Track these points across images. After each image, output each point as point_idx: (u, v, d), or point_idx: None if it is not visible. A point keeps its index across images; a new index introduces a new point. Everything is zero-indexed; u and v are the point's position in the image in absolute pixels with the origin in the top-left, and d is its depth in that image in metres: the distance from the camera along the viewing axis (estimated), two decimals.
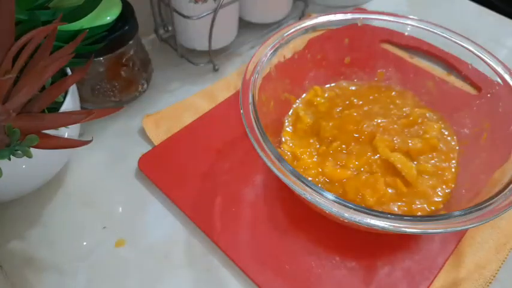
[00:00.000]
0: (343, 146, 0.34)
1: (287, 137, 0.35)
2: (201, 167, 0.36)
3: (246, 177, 0.36)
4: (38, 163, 0.30)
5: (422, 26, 0.36)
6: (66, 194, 0.36)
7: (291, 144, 0.35)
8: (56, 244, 0.33)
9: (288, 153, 0.34)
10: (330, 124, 0.35)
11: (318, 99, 0.38)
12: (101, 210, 0.35)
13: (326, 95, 0.39)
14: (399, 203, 0.31)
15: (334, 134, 0.34)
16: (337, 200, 0.24)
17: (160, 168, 0.36)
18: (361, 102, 0.37)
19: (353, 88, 0.40)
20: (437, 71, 0.38)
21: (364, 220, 0.23)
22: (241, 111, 0.28)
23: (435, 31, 0.36)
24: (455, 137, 0.36)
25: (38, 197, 0.35)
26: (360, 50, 0.39)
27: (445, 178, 0.33)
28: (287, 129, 0.36)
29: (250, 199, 0.34)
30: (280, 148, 0.35)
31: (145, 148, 0.39)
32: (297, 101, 0.38)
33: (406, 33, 0.37)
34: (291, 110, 0.38)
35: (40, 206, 0.35)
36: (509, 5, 0.68)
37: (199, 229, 0.33)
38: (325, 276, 0.30)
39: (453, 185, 0.32)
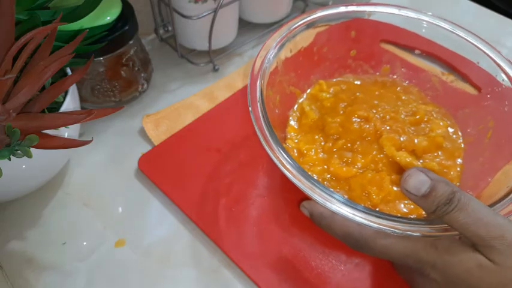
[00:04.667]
0: (349, 144, 0.33)
1: (292, 133, 0.35)
2: (201, 167, 0.36)
3: (246, 177, 0.36)
4: (38, 163, 0.30)
5: (432, 21, 0.36)
6: (66, 194, 0.36)
7: (296, 140, 0.34)
8: (56, 244, 0.33)
9: (294, 149, 0.34)
10: (337, 120, 0.34)
11: (324, 94, 0.37)
12: (101, 210, 0.35)
13: (331, 90, 0.38)
14: (405, 201, 0.31)
15: (339, 132, 0.34)
16: (348, 202, 0.24)
17: (160, 168, 0.36)
18: (367, 98, 0.37)
19: (358, 82, 0.39)
20: (441, 68, 0.38)
21: (373, 225, 0.23)
22: (250, 108, 0.28)
23: (442, 25, 0.35)
24: (460, 134, 0.35)
25: (38, 197, 0.35)
26: (366, 43, 0.39)
27: (450, 176, 0.33)
28: (292, 124, 0.36)
29: (250, 199, 0.34)
30: (286, 144, 0.34)
31: (146, 148, 0.38)
32: (303, 95, 0.38)
33: (412, 30, 0.37)
34: (296, 105, 0.37)
35: (40, 206, 0.35)
36: (509, 5, 0.68)
37: (199, 229, 0.33)
38: (332, 276, 0.30)
39: (458, 183, 0.32)
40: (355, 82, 0.40)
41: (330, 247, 0.32)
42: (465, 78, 0.36)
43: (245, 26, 0.50)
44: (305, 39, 0.35)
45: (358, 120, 0.34)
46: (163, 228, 0.34)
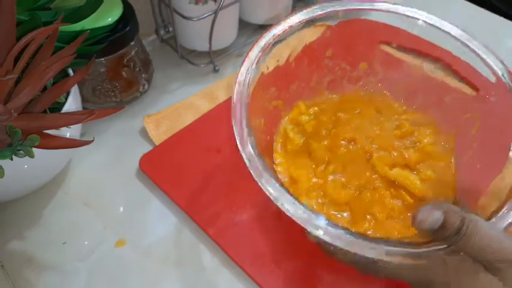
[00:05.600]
0: (341, 168, 0.33)
1: (280, 159, 0.34)
2: (202, 167, 0.36)
3: (246, 177, 0.36)
4: (39, 163, 0.30)
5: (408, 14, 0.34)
6: (66, 194, 0.36)
7: (283, 168, 0.33)
8: (56, 244, 0.33)
9: (285, 177, 0.33)
10: (323, 144, 0.34)
11: (304, 117, 0.36)
12: (101, 210, 0.35)
13: (311, 111, 0.37)
14: (409, 215, 0.31)
15: (328, 156, 0.33)
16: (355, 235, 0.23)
17: (161, 168, 0.36)
18: (348, 118, 0.36)
19: (335, 96, 0.38)
20: (423, 60, 0.37)
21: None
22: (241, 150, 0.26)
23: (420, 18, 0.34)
24: (449, 137, 0.35)
25: (39, 197, 0.35)
26: (344, 42, 0.37)
27: (448, 181, 0.32)
28: (278, 150, 0.35)
29: (251, 198, 0.34)
30: (276, 168, 0.33)
31: (146, 148, 0.39)
32: (284, 119, 0.36)
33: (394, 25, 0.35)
34: (280, 129, 0.36)
35: (40, 206, 0.35)
36: (509, 6, 0.69)
37: (200, 228, 0.33)
38: (333, 276, 0.30)
39: (456, 187, 0.32)
40: (333, 96, 0.38)
41: None
42: (461, 77, 0.35)
43: (245, 26, 0.50)
44: (279, 52, 0.33)
45: (345, 143, 0.34)
46: (163, 228, 0.34)
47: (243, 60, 0.30)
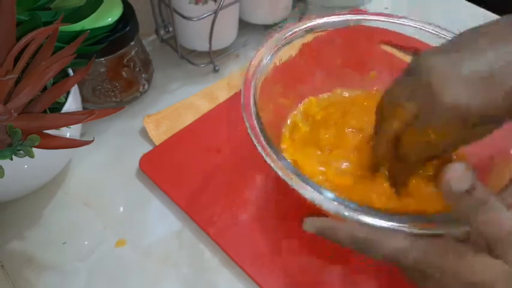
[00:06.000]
0: (345, 154, 0.33)
1: (285, 146, 0.35)
2: (202, 167, 0.36)
3: (246, 177, 0.36)
4: (39, 163, 0.30)
5: (423, 27, 0.36)
6: (66, 194, 0.36)
7: (288, 154, 0.34)
8: (56, 244, 0.33)
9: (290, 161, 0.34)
10: (330, 132, 0.34)
11: (314, 109, 0.37)
12: (101, 210, 0.35)
13: (320, 105, 0.38)
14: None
15: (334, 143, 0.34)
16: (339, 200, 0.24)
17: (161, 168, 0.36)
18: (356, 110, 0.36)
19: (346, 94, 0.39)
20: None
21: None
22: (247, 124, 0.28)
23: (434, 31, 0.36)
24: None
25: (39, 196, 0.35)
26: (353, 51, 0.38)
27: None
28: (285, 140, 0.36)
29: (251, 199, 0.34)
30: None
31: (146, 148, 0.39)
32: (294, 109, 0.37)
33: (399, 32, 0.36)
34: (289, 120, 0.37)
35: (40, 205, 0.35)
36: (509, 5, 0.68)
37: (200, 228, 0.33)
38: (334, 276, 0.30)
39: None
40: (344, 94, 0.39)
41: (332, 246, 0.32)
42: None
43: (245, 26, 0.50)
44: (290, 51, 0.35)
45: (352, 130, 0.34)
46: (163, 228, 0.34)
47: (258, 50, 0.33)
